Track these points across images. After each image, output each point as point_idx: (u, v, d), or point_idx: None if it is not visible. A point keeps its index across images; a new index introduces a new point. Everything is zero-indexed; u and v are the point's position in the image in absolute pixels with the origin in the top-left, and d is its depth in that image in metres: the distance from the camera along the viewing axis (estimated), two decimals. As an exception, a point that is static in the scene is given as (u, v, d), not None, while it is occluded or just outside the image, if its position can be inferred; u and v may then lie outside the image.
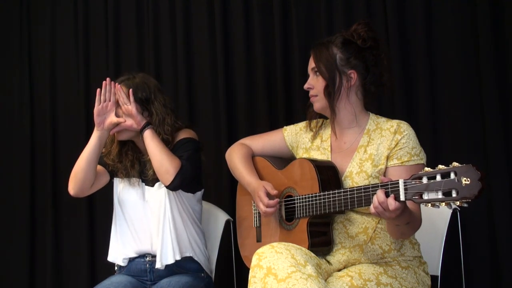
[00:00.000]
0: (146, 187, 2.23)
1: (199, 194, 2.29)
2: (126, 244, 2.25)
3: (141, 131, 2.14)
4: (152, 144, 2.11)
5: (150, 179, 2.21)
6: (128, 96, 2.14)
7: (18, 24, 3.24)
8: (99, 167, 2.25)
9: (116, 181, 2.30)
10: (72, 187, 2.21)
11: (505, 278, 2.32)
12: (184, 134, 2.23)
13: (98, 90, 2.17)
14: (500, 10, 2.39)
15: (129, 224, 2.25)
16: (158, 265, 2.15)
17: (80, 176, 2.18)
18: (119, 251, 2.26)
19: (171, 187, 2.10)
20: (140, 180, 2.25)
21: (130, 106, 2.13)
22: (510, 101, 2.38)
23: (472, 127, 2.42)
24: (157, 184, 2.20)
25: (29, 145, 3.15)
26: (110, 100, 2.16)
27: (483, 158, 2.37)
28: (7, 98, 3.24)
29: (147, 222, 2.22)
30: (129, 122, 2.16)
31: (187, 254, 2.20)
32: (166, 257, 2.15)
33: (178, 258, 2.16)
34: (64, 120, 3.13)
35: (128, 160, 2.24)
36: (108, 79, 2.17)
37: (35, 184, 3.14)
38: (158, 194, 2.19)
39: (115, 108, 2.17)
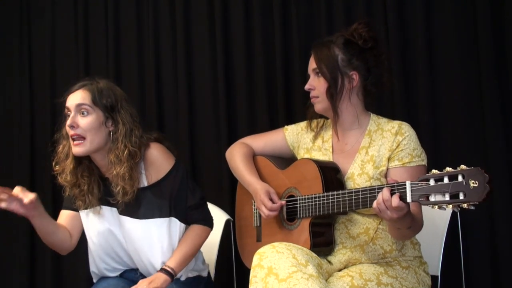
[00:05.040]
0: (122, 217, 1.97)
1: None
2: (111, 270, 2.09)
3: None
4: (185, 263, 1.98)
5: (120, 205, 1.94)
6: None
7: (18, 24, 3.22)
8: (66, 214, 2.05)
9: (82, 214, 2.03)
10: (58, 252, 2.06)
11: (505, 278, 2.33)
12: (158, 156, 1.98)
13: None
14: (500, 10, 2.39)
15: (109, 252, 2.05)
16: None
17: (52, 246, 2.02)
18: (103, 274, 2.11)
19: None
20: (112, 207, 1.98)
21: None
22: (510, 101, 2.38)
23: (472, 127, 2.42)
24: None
25: (29, 145, 3.14)
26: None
27: (483, 158, 2.37)
28: (7, 98, 3.23)
29: (132, 244, 2.00)
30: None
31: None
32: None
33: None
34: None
35: (84, 183, 1.96)
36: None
37: (35, 184, 3.12)
38: (143, 228, 1.96)
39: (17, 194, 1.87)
